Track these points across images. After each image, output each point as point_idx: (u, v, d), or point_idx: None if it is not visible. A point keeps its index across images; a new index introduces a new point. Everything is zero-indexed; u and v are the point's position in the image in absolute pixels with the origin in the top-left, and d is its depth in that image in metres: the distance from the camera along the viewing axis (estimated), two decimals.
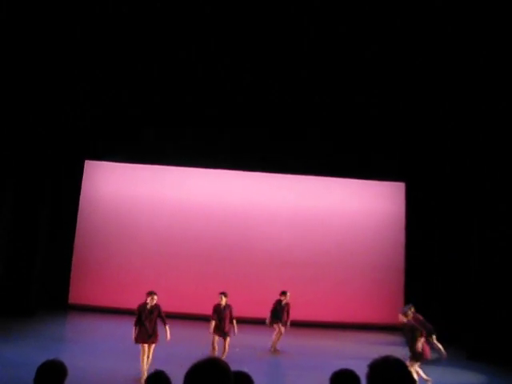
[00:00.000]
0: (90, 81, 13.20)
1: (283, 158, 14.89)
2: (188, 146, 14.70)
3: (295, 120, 14.31)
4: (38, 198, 13.63)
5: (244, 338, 11.11)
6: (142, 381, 8.12)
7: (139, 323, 8.37)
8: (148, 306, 8.44)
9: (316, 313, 14.58)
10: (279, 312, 11.38)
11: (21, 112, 12.84)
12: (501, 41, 10.69)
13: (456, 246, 13.53)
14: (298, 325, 13.31)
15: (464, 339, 11.78)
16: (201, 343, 9.64)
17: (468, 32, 10.78)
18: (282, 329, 11.37)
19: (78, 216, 15.21)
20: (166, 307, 8.78)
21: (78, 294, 14.81)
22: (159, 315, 8.49)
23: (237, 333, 9.77)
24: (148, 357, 8.31)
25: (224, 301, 9.71)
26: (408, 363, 7.63)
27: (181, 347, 9.53)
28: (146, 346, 8.33)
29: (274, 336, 11.37)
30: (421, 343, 8.28)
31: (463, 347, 11.59)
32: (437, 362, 9.39)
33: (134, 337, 8.36)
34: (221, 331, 9.52)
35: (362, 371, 2.38)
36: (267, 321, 11.39)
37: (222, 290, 10.04)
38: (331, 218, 15.64)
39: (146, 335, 8.32)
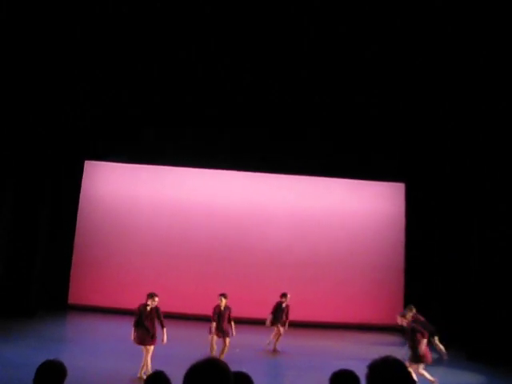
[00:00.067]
0: (90, 81, 13.20)
1: (283, 157, 14.89)
2: (188, 146, 14.69)
3: (295, 120, 14.30)
4: (37, 198, 13.62)
5: (244, 338, 11.12)
6: (142, 375, 8.15)
7: (139, 324, 8.37)
8: (148, 308, 8.44)
9: (316, 313, 14.58)
10: (279, 314, 11.38)
11: (21, 112, 12.84)
12: (501, 41, 10.69)
13: (456, 246, 13.53)
14: (298, 325, 13.31)
15: (464, 340, 11.77)
16: (200, 343, 9.65)
17: (468, 32, 10.78)
18: (282, 329, 11.37)
19: (78, 216, 15.21)
20: (165, 307, 8.80)
21: (77, 294, 14.81)
22: (158, 317, 8.49)
23: (235, 333, 9.77)
24: (145, 358, 8.32)
25: (224, 302, 9.71)
26: (407, 364, 7.63)
27: (180, 347, 9.53)
28: (145, 347, 8.35)
29: (271, 336, 11.37)
30: (424, 345, 8.28)
31: (463, 348, 11.58)
32: (437, 362, 9.37)
33: (133, 338, 8.38)
34: (221, 332, 9.53)
35: (361, 372, 2.38)
36: (267, 322, 11.37)
37: (221, 291, 10.05)
38: (331, 219, 15.64)
39: (145, 336, 8.32)
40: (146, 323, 8.36)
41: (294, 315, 11.87)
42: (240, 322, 12.26)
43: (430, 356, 8.46)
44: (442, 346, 10.74)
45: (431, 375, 8.54)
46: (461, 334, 11.94)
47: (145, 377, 6.47)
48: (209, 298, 10.88)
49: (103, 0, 10.91)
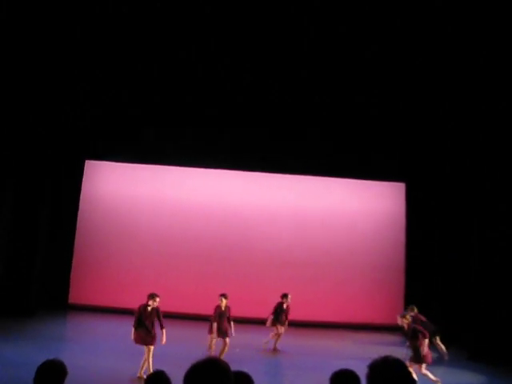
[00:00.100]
0: (90, 81, 13.20)
1: (283, 157, 14.89)
2: (188, 146, 14.70)
3: (295, 120, 14.30)
4: (37, 198, 13.62)
5: (244, 337, 11.13)
6: (142, 374, 8.16)
7: (139, 324, 8.37)
8: (149, 308, 8.44)
9: (316, 313, 14.58)
10: (280, 314, 11.37)
11: (21, 112, 12.84)
12: (501, 41, 10.69)
13: (456, 246, 13.53)
14: (298, 325, 13.32)
15: (464, 339, 11.78)
16: (201, 343, 9.65)
17: (468, 32, 10.78)
18: (282, 329, 11.37)
19: (78, 216, 15.21)
20: (165, 307, 8.80)
21: (78, 293, 14.82)
22: (158, 318, 8.49)
23: (234, 333, 9.77)
24: (147, 358, 8.32)
25: (224, 302, 9.72)
26: (408, 363, 7.63)
27: (181, 347, 9.54)
28: (145, 347, 8.35)
29: (270, 336, 11.35)
30: (426, 346, 8.29)
31: (464, 347, 11.58)
32: (438, 362, 9.39)
33: (133, 337, 8.38)
34: (220, 332, 9.53)
35: (361, 371, 2.38)
36: (268, 323, 11.35)
37: (221, 291, 10.06)
38: (331, 218, 15.64)
39: (145, 336, 8.33)
40: (146, 323, 8.36)
41: (294, 315, 11.87)
42: (240, 321, 12.28)
43: (430, 356, 8.46)
44: (442, 346, 10.76)
45: (434, 375, 8.54)
46: (461, 333, 11.94)
47: (145, 376, 6.47)
48: (209, 297, 10.89)
49: (103, 0, 10.92)
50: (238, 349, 10.49)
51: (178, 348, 9.47)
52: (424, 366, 8.35)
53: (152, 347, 8.33)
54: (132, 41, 11.91)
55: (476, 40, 10.89)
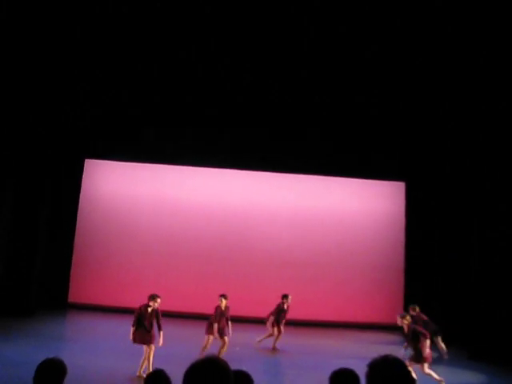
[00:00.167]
0: (90, 81, 13.20)
1: (283, 157, 14.89)
2: (188, 146, 14.70)
3: (295, 120, 14.31)
4: (37, 198, 13.62)
5: (244, 337, 11.15)
6: (141, 373, 8.16)
7: (138, 324, 8.37)
8: (149, 309, 8.44)
9: (316, 312, 14.59)
10: (280, 315, 11.36)
11: (21, 112, 12.84)
12: (501, 41, 10.69)
13: (456, 246, 13.53)
14: (298, 324, 13.34)
15: (464, 339, 11.78)
16: (200, 343, 9.63)
17: (468, 32, 10.78)
18: (282, 329, 11.36)
19: (78, 215, 15.22)
20: (165, 306, 8.80)
21: (77, 292, 14.83)
22: (157, 319, 8.48)
23: (231, 332, 9.77)
24: (147, 357, 8.33)
25: (224, 303, 9.72)
26: (407, 363, 7.63)
27: (180, 346, 9.54)
28: (145, 346, 8.36)
29: (263, 336, 11.31)
30: (428, 347, 8.29)
31: (464, 347, 11.59)
32: (438, 361, 9.39)
33: (132, 337, 8.37)
34: (220, 332, 9.53)
35: (361, 370, 2.38)
36: (268, 324, 11.31)
37: (221, 290, 10.06)
38: (331, 218, 15.65)
39: (145, 336, 8.33)
40: (145, 324, 8.37)
41: (294, 314, 11.87)
42: (240, 321, 12.30)
43: (430, 356, 8.47)
44: (443, 345, 10.78)
45: (437, 374, 8.55)
46: (461, 333, 11.94)
47: (144, 375, 6.48)
48: (209, 297, 10.90)
49: (103, 0, 10.91)
50: (238, 348, 10.52)
51: (177, 347, 9.47)
52: (426, 365, 8.35)
53: (153, 346, 8.33)
54: (132, 41, 11.90)
55: (476, 40, 10.89)
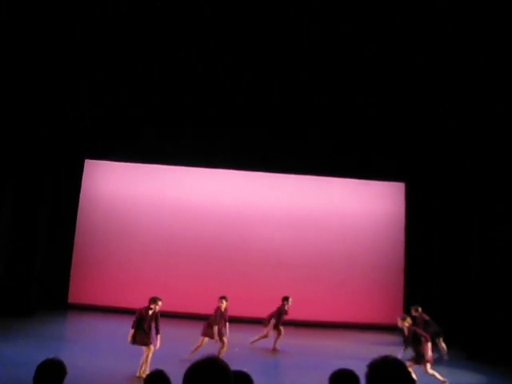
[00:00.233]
0: (90, 81, 13.20)
1: (283, 157, 14.89)
2: (188, 146, 14.70)
3: (295, 120, 14.31)
4: (37, 198, 13.62)
5: (243, 337, 11.14)
6: (141, 374, 8.16)
7: (138, 326, 8.36)
8: (150, 312, 8.44)
9: (316, 312, 14.59)
10: (280, 317, 11.32)
11: (21, 112, 12.84)
12: (501, 41, 10.69)
13: (456, 246, 13.53)
14: (298, 325, 13.34)
15: (464, 339, 11.78)
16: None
17: (468, 32, 10.78)
18: (282, 329, 11.35)
19: (78, 215, 15.22)
20: (165, 306, 8.79)
21: (77, 293, 14.83)
22: (155, 322, 8.48)
23: (229, 333, 9.76)
24: (146, 357, 8.34)
25: (225, 305, 9.70)
26: (408, 364, 7.64)
27: (180, 346, 9.54)
28: (144, 347, 8.37)
29: (258, 336, 11.26)
30: (430, 349, 8.29)
31: (463, 347, 11.59)
32: (437, 362, 9.39)
33: (131, 339, 8.35)
34: (219, 333, 9.51)
35: (361, 371, 2.38)
36: (270, 326, 11.25)
37: (221, 290, 10.07)
38: (331, 218, 15.64)
39: (143, 337, 8.33)
40: (144, 326, 8.37)
41: (294, 315, 11.86)
42: (239, 321, 12.31)
43: (432, 357, 8.46)
44: (444, 347, 10.79)
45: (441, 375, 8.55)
46: (461, 333, 11.95)
47: (144, 376, 6.47)
48: (208, 297, 10.90)
49: (103, 0, 10.91)
50: (237, 348, 10.52)
51: (177, 347, 9.47)
52: (429, 365, 8.35)
53: (151, 347, 8.33)
54: (132, 41, 11.90)
55: (476, 40, 10.88)
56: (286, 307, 11.41)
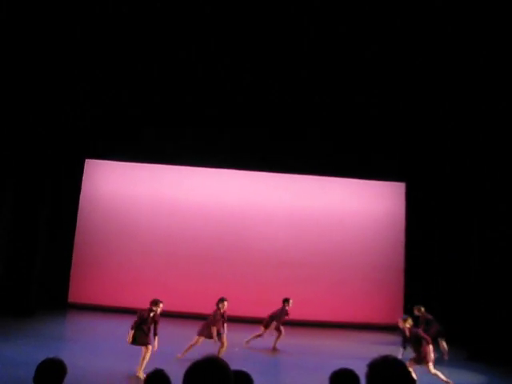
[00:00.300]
0: (90, 81, 13.21)
1: (283, 157, 14.90)
2: (188, 146, 14.70)
3: (295, 120, 14.31)
4: (37, 198, 13.63)
5: (243, 337, 11.14)
6: (141, 373, 8.16)
7: (138, 327, 8.37)
8: (151, 314, 8.45)
9: (316, 312, 14.59)
10: (280, 318, 11.31)
11: (21, 112, 12.84)
12: (501, 41, 10.69)
13: (456, 246, 13.54)
14: (298, 324, 13.33)
15: (464, 339, 11.78)
16: (202, 342, 9.62)
17: (468, 32, 10.78)
18: (282, 329, 11.35)
19: (78, 215, 15.23)
20: (165, 306, 8.78)
21: (77, 292, 14.84)
22: (154, 324, 8.48)
23: (226, 333, 9.76)
24: (145, 357, 8.35)
25: (225, 306, 9.71)
26: (408, 363, 7.64)
27: (180, 346, 9.53)
28: (146, 347, 8.38)
29: (252, 336, 11.24)
30: (432, 351, 8.29)
31: (463, 347, 11.59)
32: (437, 361, 9.38)
33: (130, 339, 8.35)
34: (218, 334, 9.52)
35: (361, 371, 2.38)
36: (272, 327, 11.23)
37: (221, 290, 10.06)
38: (331, 218, 15.65)
39: (143, 338, 8.34)
40: (144, 327, 8.38)
41: (294, 314, 11.85)
42: (238, 321, 12.31)
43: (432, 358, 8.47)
44: (446, 347, 10.81)
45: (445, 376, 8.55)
46: (461, 333, 11.94)
47: (144, 375, 6.47)
48: (209, 297, 10.88)
49: (103, 0, 10.92)
50: (237, 348, 10.53)
51: (177, 347, 9.47)
52: (431, 364, 8.35)
53: (150, 347, 8.33)
54: (132, 41, 11.91)
55: (476, 40, 10.89)
56: (286, 308, 11.39)
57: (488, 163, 11.80)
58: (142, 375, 8.08)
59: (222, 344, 9.52)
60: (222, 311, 9.65)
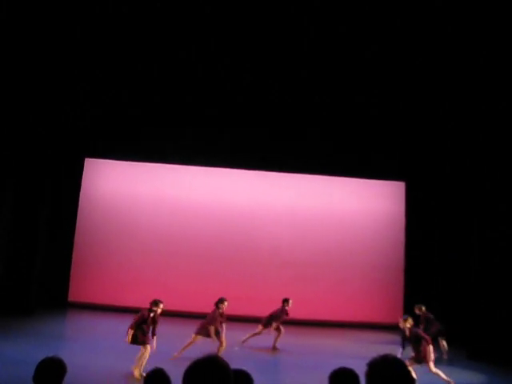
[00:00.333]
0: (90, 81, 13.21)
1: (283, 157, 14.90)
2: (188, 146, 14.71)
3: (295, 120, 14.31)
4: (37, 198, 13.63)
5: (242, 336, 11.14)
6: (141, 372, 8.16)
7: (137, 327, 8.37)
8: (152, 314, 8.45)
9: (316, 312, 14.60)
10: (280, 318, 11.31)
11: (21, 112, 12.84)
12: (501, 41, 10.69)
13: (456, 246, 13.54)
14: (298, 323, 13.34)
15: (464, 339, 11.78)
16: (201, 341, 9.63)
17: (468, 32, 10.79)
18: (282, 328, 11.35)
19: (78, 214, 15.23)
20: (165, 305, 8.79)
21: (77, 291, 14.84)
22: (153, 325, 8.49)
23: (226, 332, 9.78)
24: (145, 356, 8.35)
25: (225, 306, 9.72)
26: (408, 363, 7.64)
27: (180, 345, 9.53)
28: (145, 346, 8.38)
29: (248, 334, 11.24)
30: (432, 352, 8.29)
31: (463, 347, 11.59)
32: (437, 361, 9.38)
33: (130, 339, 8.34)
34: (217, 333, 9.52)
35: (361, 370, 2.39)
36: (273, 328, 11.24)
37: (221, 290, 10.08)
38: (331, 218, 15.65)
39: (143, 338, 8.35)
40: (144, 328, 8.39)
41: (294, 314, 11.85)
42: (240, 320, 12.32)
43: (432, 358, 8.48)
44: (446, 346, 10.83)
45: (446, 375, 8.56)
46: (461, 333, 11.95)
47: (144, 374, 6.47)
48: (209, 296, 10.89)
49: (103, 0, 10.92)
50: (237, 347, 10.54)
51: (177, 346, 9.47)
52: (432, 364, 8.35)
53: (148, 346, 8.34)
54: (132, 41, 11.91)
55: (476, 40, 10.89)
56: (286, 309, 11.39)
57: (488, 163, 11.80)
58: (137, 374, 8.08)
59: (221, 343, 9.53)
60: (222, 311, 9.66)
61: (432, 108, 13.25)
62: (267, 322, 11.26)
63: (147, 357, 8.36)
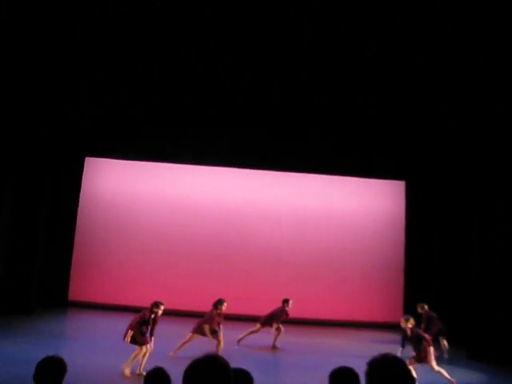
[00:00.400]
0: (90, 81, 13.21)
1: (283, 157, 14.91)
2: (188, 146, 14.72)
3: (295, 120, 14.32)
4: (37, 198, 13.63)
5: (241, 335, 11.13)
6: (141, 371, 8.16)
7: (137, 327, 8.37)
8: (152, 316, 8.46)
9: (316, 311, 14.61)
10: (280, 318, 11.30)
11: (21, 112, 12.84)
12: (501, 41, 10.69)
13: (456, 246, 13.54)
14: (298, 323, 13.34)
15: (464, 339, 11.79)
16: (199, 340, 9.62)
17: (468, 32, 10.79)
18: (282, 327, 11.34)
19: (78, 213, 15.24)
20: (165, 304, 8.80)
21: (77, 290, 14.84)
22: (152, 325, 8.49)
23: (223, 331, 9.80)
24: (146, 355, 8.37)
25: (224, 307, 9.72)
26: (408, 362, 7.64)
27: (179, 344, 9.53)
28: (145, 346, 8.40)
29: (245, 333, 11.22)
30: (432, 354, 8.29)
31: (463, 346, 11.60)
32: (437, 360, 9.38)
33: (129, 339, 8.34)
34: (213, 332, 9.53)
35: (361, 369, 2.39)
36: (273, 328, 11.24)
37: (221, 290, 10.11)
38: (331, 217, 15.66)
39: (143, 338, 8.36)
40: (143, 328, 8.40)
41: (294, 313, 11.86)
42: (239, 319, 12.33)
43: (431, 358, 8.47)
44: (446, 345, 10.84)
45: (450, 375, 8.55)
46: (461, 332, 11.95)
47: (144, 373, 6.46)
48: (208, 295, 10.90)
49: (103, 0, 10.92)
50: (237, 346, 10.53)
51: (176, 345, 9.47)
52: (434, 362, 8.35)
53: (144, 348, 8.34)
54: (132, 41, 11.91)
55: (476, 40, 10.89)
56: (286, 309, 11.39)
57: (488, 163, 11.80)
58: (127, 372, 8.08)
59: (219, 342, 9.54)
60: (220, 312, 9.66)
61: (432, 108, 13.26)
62: (266, 320, 11.25)
63: (147, 356, 8.36)
